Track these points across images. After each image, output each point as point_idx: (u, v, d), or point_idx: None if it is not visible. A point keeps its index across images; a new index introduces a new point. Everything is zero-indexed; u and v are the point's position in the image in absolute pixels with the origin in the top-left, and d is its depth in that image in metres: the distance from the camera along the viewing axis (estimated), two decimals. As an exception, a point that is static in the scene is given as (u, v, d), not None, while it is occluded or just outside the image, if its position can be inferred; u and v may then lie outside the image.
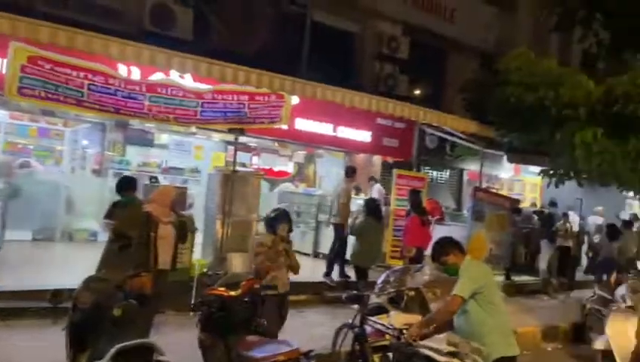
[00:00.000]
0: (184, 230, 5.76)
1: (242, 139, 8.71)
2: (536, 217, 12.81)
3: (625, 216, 15.06)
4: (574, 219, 12.89)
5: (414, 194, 9.11)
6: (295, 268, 5.13)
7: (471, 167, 14.31)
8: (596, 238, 13.23)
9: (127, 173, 9.10)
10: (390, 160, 12.25)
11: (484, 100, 9.65)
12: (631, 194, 15.07)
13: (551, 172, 8.91)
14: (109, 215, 6.00)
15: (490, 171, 14.54)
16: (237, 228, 7.93)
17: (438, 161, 13.73)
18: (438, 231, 9.59)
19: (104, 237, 6.50)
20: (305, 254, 10.20)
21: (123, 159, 10.42)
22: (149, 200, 5.86)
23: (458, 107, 11.40)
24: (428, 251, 8.80)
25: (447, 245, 4.02)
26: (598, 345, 6.39)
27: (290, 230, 5.16)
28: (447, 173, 15.30)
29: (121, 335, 3.55)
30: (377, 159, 12.52)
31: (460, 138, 11.74)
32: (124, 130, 10.41)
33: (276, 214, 5.21)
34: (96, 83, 6.77)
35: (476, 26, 14.42)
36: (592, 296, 8.31)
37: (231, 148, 9.64)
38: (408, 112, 8.85)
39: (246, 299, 4.21)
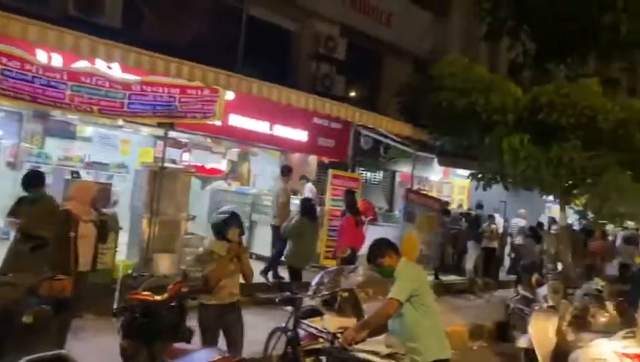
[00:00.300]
0: (105, 229, 5.40)
1: (172, 134, 8.35)
2: (463, 219, 13.25)
3: (544, 219, 15.96)
4: (499, 221, 13.46)
5: (349, 195, 9.12)
6: (248, 276, 4.68)
7: (403, 168, 14.60)
8: (518, 240, 13.88)
9: (45, 168, 8.50)
10: (326, 160, 12.25)
11: (418, 104, 9.83)
12: (551, 198, 16.02)
13: (479, 175, 9.20)
14: (13, 212, 5.45)
15: (422, 173, 14.91)
16: (165, 227, 7.58)
17: (372, 162, 13.90)
18: (371, 232, 9.67)
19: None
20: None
21: (42, 152, 9.69)
22: (67, 197, 5.45)
23: (393, 110, 11.55)
24: (361, 251, 8.88)
25: (382, 247, 3.98)
26: (521, 343, 6.65)
27: (241, 233, 4.74)
28: (381, 175, 15.54)
29: (33, 344, 3.23)
30: (313, 159, 12.48)
31: (394, 140, 11.92)
32: (44, 121, 9.69)
33: (225, 218, 4.64)
34: (10, 68, 6.20)
35: (412, 31, 14.71)
36: (516, 296, 8.66)
37: (160, 143, 9.23)
38: (345, 113, 8.83)
39: (173, 304, 3.96)
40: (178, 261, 7.52)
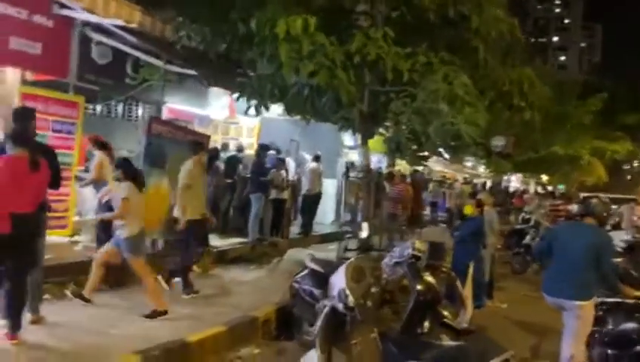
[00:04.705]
0: None
1: None
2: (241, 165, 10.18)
3: (342, 164, 13.73)
4: (290, 166, 10.74)
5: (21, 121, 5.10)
6: None
7: (174, 100, 10.62)
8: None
9: None
10: (29, 77, 7.85)
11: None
12: (349, 142, 13.74)
13: (248, 89, 5.85)
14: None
15: (196, 108, 11.21)
16: None
17: (116, 87, 9.59)
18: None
19: None
20: None
21: None
22: None
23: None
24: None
25: None
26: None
27: None
28: (140, 110, 11.24)
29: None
30: (12, 74, 7.93)
31: (142, 50, 8.10)
32: None
33: None
34: None
35: None
36: (302, 271, 5.76)
37: None
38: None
39: None
40: None
